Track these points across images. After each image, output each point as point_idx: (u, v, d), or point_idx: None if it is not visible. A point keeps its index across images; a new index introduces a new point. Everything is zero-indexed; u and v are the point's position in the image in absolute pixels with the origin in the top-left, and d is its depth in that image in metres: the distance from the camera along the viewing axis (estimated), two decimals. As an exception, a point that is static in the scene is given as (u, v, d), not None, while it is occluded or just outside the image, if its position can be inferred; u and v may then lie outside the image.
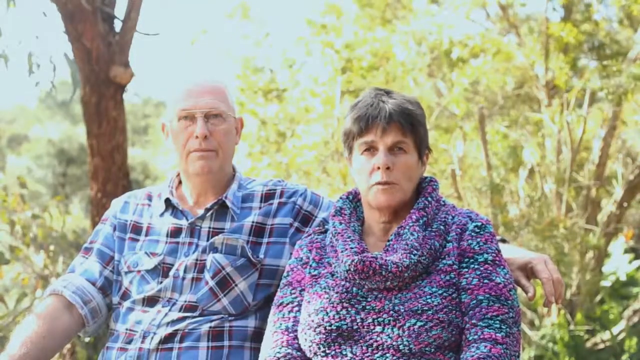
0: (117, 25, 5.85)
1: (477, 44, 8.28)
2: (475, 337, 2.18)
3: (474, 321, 2.21)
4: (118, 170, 5.81)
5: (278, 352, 2.32)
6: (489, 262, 2.29)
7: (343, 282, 2.32)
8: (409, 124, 2.37)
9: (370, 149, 2.37)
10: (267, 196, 2.71)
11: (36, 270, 5.69)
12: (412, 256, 2.25)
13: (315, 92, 8.59)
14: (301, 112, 8.67)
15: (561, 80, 7.48)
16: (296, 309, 2.38)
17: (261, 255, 2.61)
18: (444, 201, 2.46)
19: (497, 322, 2.19)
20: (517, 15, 8.68)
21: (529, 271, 2.44)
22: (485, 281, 2.25)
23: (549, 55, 7.86)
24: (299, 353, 2.32)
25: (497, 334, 2.17)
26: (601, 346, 7.34)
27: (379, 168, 2.35)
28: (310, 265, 2.43)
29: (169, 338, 2.51)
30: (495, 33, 8.65)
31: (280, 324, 2.38)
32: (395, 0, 9.08)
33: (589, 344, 7.29)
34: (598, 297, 7.90)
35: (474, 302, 2.23)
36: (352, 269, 2.27)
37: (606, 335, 7.33)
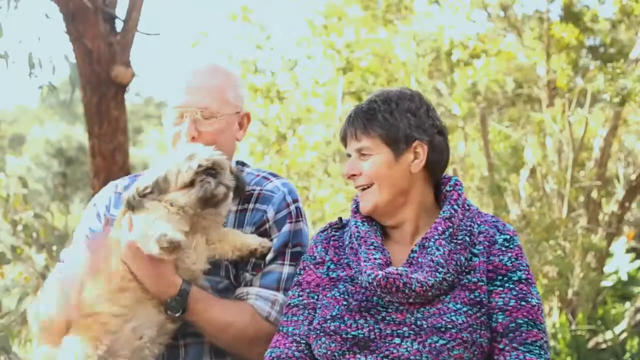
0: (118, 26, 5.85)
1: (478, 45, 8.28)
2: None
3: (514, 345, 2.19)
4: (119, 170, 5.80)
5: (272, 352, 2.34)
6: (523, 281, 2.27)
7: (363, 290, 2.28)
8: (362, 126, 2.33)
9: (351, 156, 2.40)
10: (246, 198, 2.64)
11: (38, 270, 5.70)
12: (437, 274, 2.21)
13: (316, 93, 8.59)
14: (302, 113, 8.66)
15: (562, 81, 7.48)
16: (300, 312, 2.37)
17: (241, 270, 2.59)
18: (468, 205, 2.40)
19: (537, 347, 2.19)
20: (517, 16, 8.67)
21: None
22: (523, 303, 2.24)
23: (550, 56, 7.85)
24: (297, 354, 2.31)
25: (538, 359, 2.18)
26: (603, 346, 7.33)
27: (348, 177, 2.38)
28: (329, 267, 2.39)
29: None
30: (496, 33, 8.65)
31: (282, 327, 2.39)
32: (398, 0, 9.09)
33: (590, 344, 7.28)
34: (600, 297, 7.88)
35: (513, 325, 2.21)
36: (375, 283, 2.23)
37: (608, 335, 7.32)
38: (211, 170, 2.39)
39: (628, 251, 9.08)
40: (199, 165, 2.37)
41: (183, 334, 2.54)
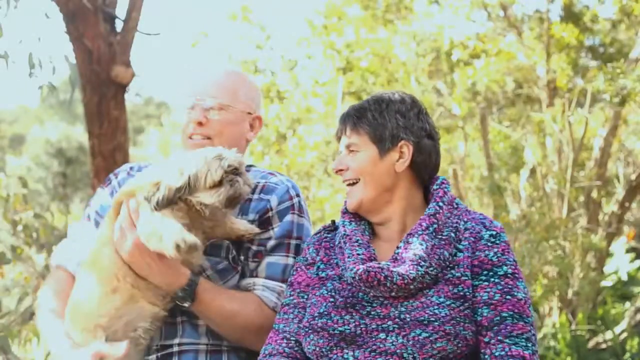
0: (118, 25, 5.85)
1: (478, 45, 8.30)
2: (503, 353, 2.19)
3: (500, 337, 2.21)
4: (119, 170, 5.79)
5: (265, 349, 2.40)
6: (509, 275, 2.28)
7: (349, 287, 2.33)
8: (352, 123, 2.42)
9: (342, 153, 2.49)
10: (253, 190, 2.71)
11: (37, 270, 5.70)
12: (419, 267, 2.24)
13: (316, 93, 8.61)
14: (302, 113, 8.68)
15: (562, 81, 7.49)
16: (291, 311, 2.44)
17: (242, 256, 2.63)
18: (456, 203, 2.43)
19: (523, 340, 2.20)
20: (517, 15, 8.68)
21: None
22: (508, 297, 2.25)
23: (550, 56, 7.86)
24: (287, 350, 2.37)
25: (525, 352, 2.19)
26: (603, 346, 7.33)
27: (337, 172, 2.46)
28: (319, 267, 2.45)
29: None
30: (496, 33, 8.65)
31: (275, 324, 2.46)
32: (398, 0, 9.11)
33: (590, 344, 7.28)
34: (600, 297, 7.89)
35: (498, 318, 2.23)
36: (357, 278, 2.27)
37: (608, 335, 7.32)
38: (237, 170, 2.44)
39: (628, 251, 9.09)
40: (229, 165, 2.41)
41: (180, 311, 2.58)
